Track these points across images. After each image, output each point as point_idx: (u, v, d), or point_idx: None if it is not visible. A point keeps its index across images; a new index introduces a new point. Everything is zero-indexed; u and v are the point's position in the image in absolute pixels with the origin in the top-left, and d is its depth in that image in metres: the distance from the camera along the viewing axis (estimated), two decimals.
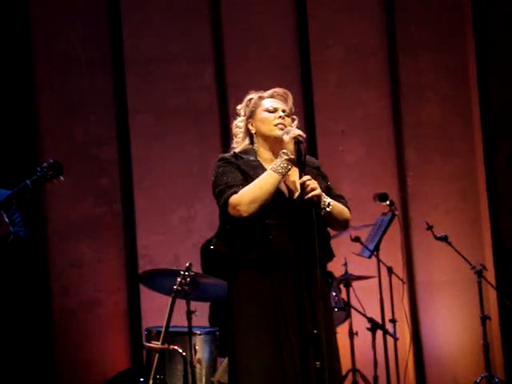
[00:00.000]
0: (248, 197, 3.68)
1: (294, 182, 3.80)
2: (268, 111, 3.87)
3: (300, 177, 3.69)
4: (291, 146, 3.73)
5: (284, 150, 3.72)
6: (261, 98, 3.92)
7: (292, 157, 3.69)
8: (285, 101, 3.92)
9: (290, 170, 3.71)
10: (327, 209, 3.74)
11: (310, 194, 3.65)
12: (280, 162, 3.71)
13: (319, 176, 3.88)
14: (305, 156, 3.75)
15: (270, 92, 3.93)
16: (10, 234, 4.66)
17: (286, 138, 3.73)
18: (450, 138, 7.07)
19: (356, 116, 6.99)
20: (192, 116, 6.83)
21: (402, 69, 7.08)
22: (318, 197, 3.70)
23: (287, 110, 3.89)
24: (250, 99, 3.94)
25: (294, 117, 3.97)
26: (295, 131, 3.76)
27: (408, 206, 6.96)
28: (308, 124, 6.92)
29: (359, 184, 6.78)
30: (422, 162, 7.02)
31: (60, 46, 6.82)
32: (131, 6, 6.85)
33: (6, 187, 4.85)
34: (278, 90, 3.95)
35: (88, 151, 6.78)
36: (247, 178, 3.77)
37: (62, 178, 4.65)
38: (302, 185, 3.67)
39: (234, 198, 3.70)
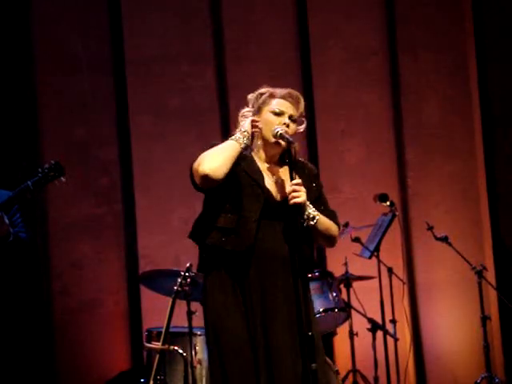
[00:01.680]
0: (208, 154, 3.67)
1: (284, 182, 3.74)
2: (274, 113, 3.73)
3: (291, 179, 3.64)
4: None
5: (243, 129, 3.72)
6: (272, 96, 3.76)
7: (247, 133, 3.67)
8: (296, 104, 3.76)
9: (247, 141, 3.69)
10: (311, 222, 3.65)
11: (292, 201, 3.58)
12: (239, 134, 3.69)
13: (310, 184, 3.77)
14: (294, 157, 3.73)
15: (283, 92, 3.76)
16: (9, 235, 4.65)
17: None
18: (451, 138, 7.07)
19: (356, 116, 6.98)
20: (192, 116, 6.83)
21: (402, 69, 7.07)
22: (302, 206, 3.61)
23: (295, 116, 3.75)
24: (261, 94, 3.78)
25: (303, 119, 3.86)
26: (277, 128, 3.70)
27: (408, 206, 6.96)
28: (308, 124, 6.86)
29: (359, 184, 6.78)
30: (423, 163, 7.01)
31: (60, 45, 6.83)
32: (132, 6, 6.86)
33: (7, 187, 4.84)
34: (292, 92, 3.78)
35: (88, 151, 6.79)
36: (238, 172, 3.70)
37: (63, 179, 4.64)
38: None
39: (196, 162, 3.70)
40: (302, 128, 3.85)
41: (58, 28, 6.84)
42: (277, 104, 3.75)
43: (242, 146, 3.68)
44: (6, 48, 6.72)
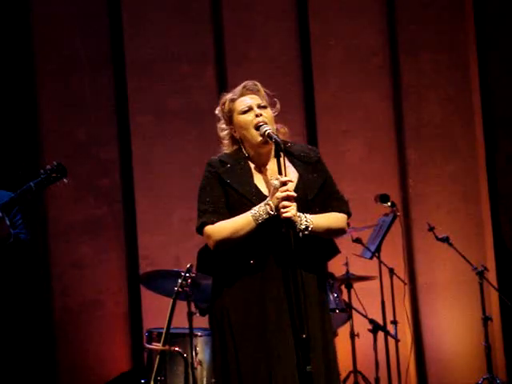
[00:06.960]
0: (221, 235, 3.62)
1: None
2: (243, 112, 3.69)
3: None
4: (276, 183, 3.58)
5: (269, 201, 3.56)
6: (232, 100, 3.73)
7: (272, 213, 3.54)
8: (257, 92, 3.72)
9: (267, 217, 3.56)
10: (305, 232, 3.58)
11: (282, 216, 3.52)
12: (262, 211, 3.57)
13: (310, 175, 3.71)
14: (291, 151, 3.69)
15: (239, 91, 3.73)
16: (10, 236, 4.64)
17: (275, 183, 3.55)
18: (452, 138, 7.06)
19: (357, 116, 6.98)
20: (193, 116, 6.83)
21: (403, 69, 7.07)
22: (292, 219, 3.53)
23: (262, 102, 3.70)
24: (224, 104, 3.76)
25: (275, 100, 3.76)
26: (265, 127, 3.63)
27: (409, 206, 6.96)
28: (309, 125, 6.92)
29: (361, 185, 6.77)
30: (424, 163, 7.01)
31: (61, 46, 6.83)
32: (132, 6, 6.85)
33: (7, 188, 4.83)
34: (246, 84, 3.73)
35: (89, 151, 6.79)
36: (227, 190, 3.65)
37: (65, 180, 4.63)
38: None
39: (208, 229, 3.66)
40: (276, 110, 3.77)
41: (58, 28, 6.83)
42: (241, 103, 3.71)
43: (259, 221, 3.58)
44: (6, 48, 6.72)
